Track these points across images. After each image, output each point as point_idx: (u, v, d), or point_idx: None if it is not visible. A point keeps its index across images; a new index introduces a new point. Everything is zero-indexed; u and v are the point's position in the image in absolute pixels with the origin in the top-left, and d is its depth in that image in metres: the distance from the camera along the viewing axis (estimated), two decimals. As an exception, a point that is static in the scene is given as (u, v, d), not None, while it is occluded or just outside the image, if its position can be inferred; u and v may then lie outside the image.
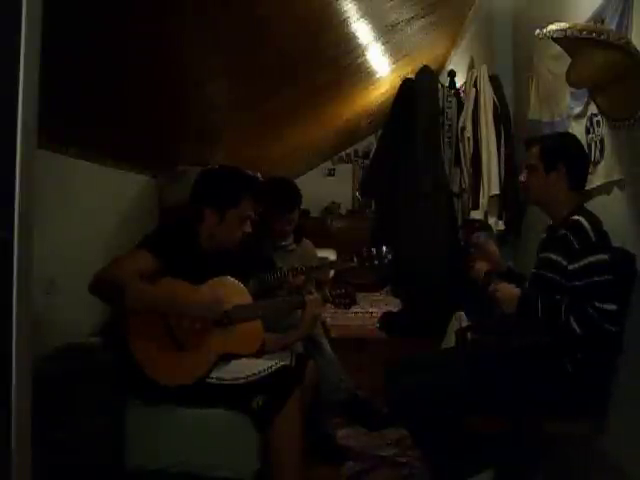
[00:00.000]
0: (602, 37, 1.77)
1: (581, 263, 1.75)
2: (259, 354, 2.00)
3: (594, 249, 1.75)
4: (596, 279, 1.72)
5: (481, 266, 2.03)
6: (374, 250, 2.41)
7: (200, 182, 2.07)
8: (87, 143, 3.14)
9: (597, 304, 1.68)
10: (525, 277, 2.08)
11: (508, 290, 1.90)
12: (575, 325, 1.69)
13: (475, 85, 3.50)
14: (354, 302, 2.16)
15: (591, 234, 1.77)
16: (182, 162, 4.23)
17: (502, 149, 3.39)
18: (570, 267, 1.78)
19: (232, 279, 2.01)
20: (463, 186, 3.58)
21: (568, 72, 2.05)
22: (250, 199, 2.03)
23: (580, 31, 1.84)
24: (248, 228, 2.04)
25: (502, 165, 3.37)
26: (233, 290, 2.00)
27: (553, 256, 1.87)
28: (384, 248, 2.41)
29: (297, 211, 2.65)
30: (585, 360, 1.78)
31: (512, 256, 3.52)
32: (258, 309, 2.02)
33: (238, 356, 1.94)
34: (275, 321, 2.19)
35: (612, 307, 1.69)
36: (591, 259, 1.74)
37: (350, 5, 3.56)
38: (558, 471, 2.15)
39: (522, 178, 2.02)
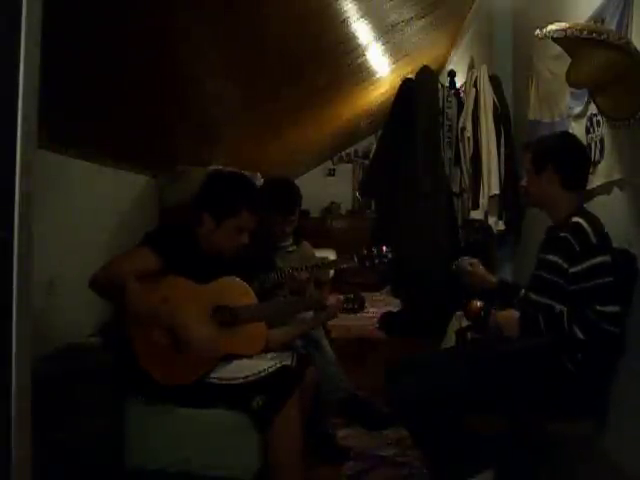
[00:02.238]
0: (602, 37, 1.77)
1: (583, 266, 1.75)
2: (263, 350, 2.00)
3: (595, 251, 1.75)
4: (598, 282, 1.72)
5: (474, 305, 2.03)
6: (374, 249, 2.40)
7: (205, 185, 2.06)
8: (87, 143, 3.14)
9: (598, 307, 1.69)
10: (520, 285, 2.09)
11: (507, 315, 1.92)
12: (579, 332, 1.70)
13: (475, 85, 3.50)
14: (362, 307, 2.14)
15: (592, 236, 1.77)
16: (182, 162, 4.22)
17: (502, 149, 3.39)
18: (572, 270, 1.78)
19: (238, 279, 2.00)
20: (463, 186, 3.58)
21: (568, 72, 2.05)
22: (251, 212, 1.99)
23: (580, 31, 1.84)
24: (245, 239, 2.01)
25: (502, 165, 3.37)
26: (238, 290, 1.99)
27: (553, 258, 1.87)
28: (384, 247, 2.40)
29: (297, 212, 2.65)
30: (586, 360, 1.78)
31: (512, 256, 3.52)
32: (264, 310, 2.02)
33: (239, 356, 1.94)
34: (280, 322, 2.19)
35: (615, 309, 1.69)
36: (593, 262, 1.74)
37: (350, 5, 3.56)
38: (559, 471, 2.15)
39: (523, 183, 2.06)
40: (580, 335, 1.70)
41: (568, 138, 2.09)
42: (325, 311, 2.15)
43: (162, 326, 1.80)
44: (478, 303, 2.01)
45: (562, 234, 1.83)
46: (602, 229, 1.82)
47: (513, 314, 1.90)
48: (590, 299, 1.71)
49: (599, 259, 1.74)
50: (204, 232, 1.98)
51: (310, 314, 2.30)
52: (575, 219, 1.82)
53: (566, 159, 1.96)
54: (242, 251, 2.04)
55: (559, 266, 1.83)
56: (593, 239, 1.76)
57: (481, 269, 2.15)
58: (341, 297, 2.17)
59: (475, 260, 2.17)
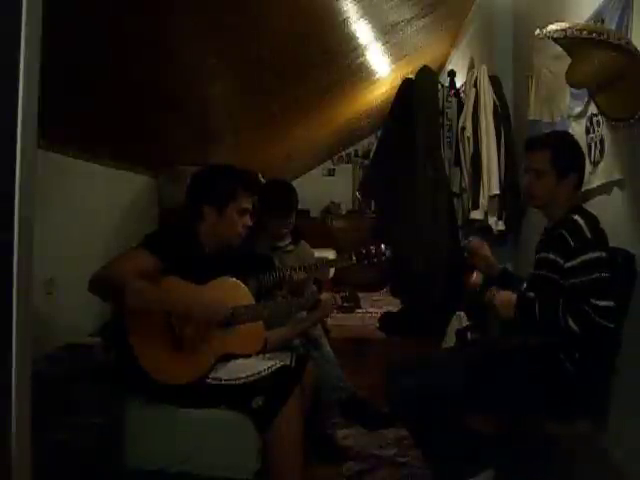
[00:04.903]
0: (602, 37, 1.77)
1: (577, 261, 1.75)
2: (261, 351, 2.00)
3: (590, 247, 1.76)
4: (592, 276, 1.72)
5: (477, 278, 2.02)
6: (372, 248, 2.41)
7: (195, 182, 2.07)
8: (87, 143, 3.14)
9: (593, 301, 1.68)
10: (521, 278, 2.08)
11: (505, 296, 1.90)
12: (573, 324, 1.69)
13: (475, 85, 3.50)
14: (358, 306, 2.15)
15: (587, 232, 1.77)
16: (182, 162, 4.23)
17: (502, 149, 3.39)
18: (566, 265, 1.78)
19: (234, 279, 2.01)
20: (463, 186, 3.58)
21: (568, 72, 2.05)
22: (246, 192, 2.04)
23: (580, 31, 1.84)
24: (248, 221, 2.04)
25: (502, 165, 3.37)
26: (235, 291, 2.00)
27: (551, 256, 1.87)
28: (382, 246, 2.40)
29: (294, 215, 2.66)
30: (585, 359, 1.78)
31: (512, 256, 3.52)
32: (263, 310, 2.02)
33: (238, 356, 1.94)
34: (279, 322, 2.19)
35: (609, 304, 1.69)
36: (586, 257, 1.74)
37: (350, 5, 3.56)
38: (558, 471, 2.15)
39: (526, 182, 2.01)
40: (574, 327, 1.69)
41: (575, 139, 2.08)
42: (318, 309, 2.15)
43: (167, 312, 1.80)
44: (477, 276, 2.00)
45: (558, 231, 1.83)
46: (598, 226, 1.82)
47: (511, 296, 1.89)
48: (585, 293, 1.71)
49: (593, 254, 1.74)
50: (207, 226, 1.99)
51: (305, 313, 2.30)
52: (571, 216, 1.83)
53: (583, 164, 1.97)
54: (243, 242, 2.05)
55: (556, 263, 1.83)
56: (588, 234, 1.77)
57: (486, 250, 2.13)
58: (336, 295, 2.17)
59: (484, 242, 2.15)
